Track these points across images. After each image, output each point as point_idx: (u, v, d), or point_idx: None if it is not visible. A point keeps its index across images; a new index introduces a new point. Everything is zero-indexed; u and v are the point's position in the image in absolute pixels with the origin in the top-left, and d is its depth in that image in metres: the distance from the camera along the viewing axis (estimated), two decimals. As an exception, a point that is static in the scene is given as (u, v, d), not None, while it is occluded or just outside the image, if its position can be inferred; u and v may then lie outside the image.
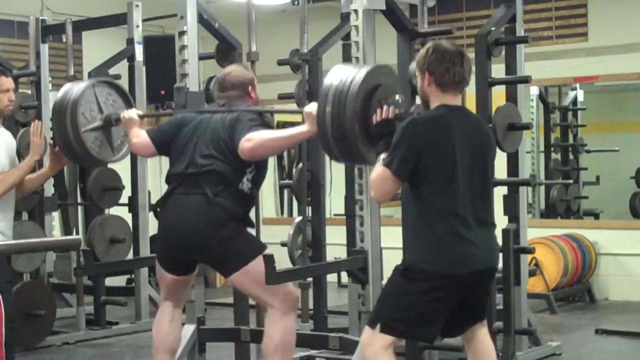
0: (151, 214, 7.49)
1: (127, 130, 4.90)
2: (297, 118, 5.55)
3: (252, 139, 4.35)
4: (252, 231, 4.80)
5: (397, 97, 4.12)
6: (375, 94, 4.11)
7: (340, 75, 4.15)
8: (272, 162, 10.42)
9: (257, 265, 4.49)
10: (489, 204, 3.94)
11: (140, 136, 4.76)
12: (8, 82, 5.20)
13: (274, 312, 4.57)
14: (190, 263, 4.69)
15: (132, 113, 4.91)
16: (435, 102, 3.91)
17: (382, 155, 3.90)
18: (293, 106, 6.24)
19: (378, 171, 3.86)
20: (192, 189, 4.47)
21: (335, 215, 7.64)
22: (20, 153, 5.88)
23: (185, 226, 4.45)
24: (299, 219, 5.71)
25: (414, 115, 4.01)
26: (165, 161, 4.89)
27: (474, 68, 5.78)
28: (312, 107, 4.30)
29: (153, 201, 7.17)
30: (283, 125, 10.60)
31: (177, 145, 4.61)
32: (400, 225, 5.22)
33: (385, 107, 4.04)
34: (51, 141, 5.19)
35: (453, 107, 3.91)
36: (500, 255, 5.66)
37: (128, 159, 7.26)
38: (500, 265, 5.71)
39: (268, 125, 4.53)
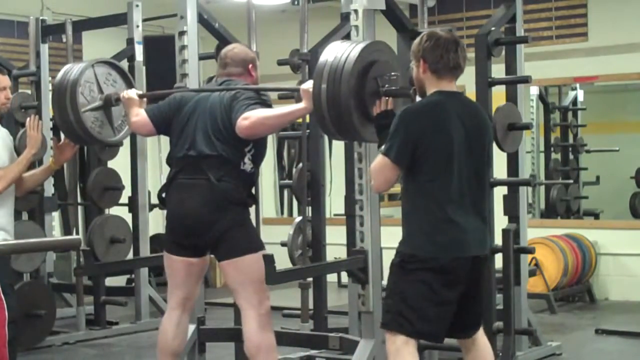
0: (151, 214, 7.49)
1: (126, 110, 4.87)
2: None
3: (249, 117, 4.32)
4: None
5: (393, 73, 4.11)
6: (370, 71, 4.10)
7: (336, 51, 4.14)
8: (272, 162, 10.42)
9: (250, 261, 4.48)
10: (484, 191, 3.94)
11: (139, 115, 4.74)
12: (4, 80, 5.21)
13: (250, 312, 4.54)
14: (197, 246, 4.61)
15: (132, 92, 4.88)
16: (431, 89, 3.91)
17: (383, 147, 3.91)
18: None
19: (377, 160, 3.88)
20: (195, 174, 4.46)
21: (335, 215, 7.63)
22: (20, 152, 5.88)
23: (189, 211, 4.45)
24: (299, 219, 5.70)
25: (410, 91, 4.02)
26: (165, 161, 4.88)
27: (474, 68, 5.81)
28: (309, 85, 4.30)
29: (153, 201, 7.18)
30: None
31: (177, 125, 4.59)
32: (400, 226, 5.24)
33: (383, 99, 4.05)
34: (53, 136, 5.20)
35: (449, 93, 3.91)
36: (500, 255, 5.69)
37: (128, 159, 7.29)
38: (500, 265, 5.73)
39: (266, 104, 4.49)
